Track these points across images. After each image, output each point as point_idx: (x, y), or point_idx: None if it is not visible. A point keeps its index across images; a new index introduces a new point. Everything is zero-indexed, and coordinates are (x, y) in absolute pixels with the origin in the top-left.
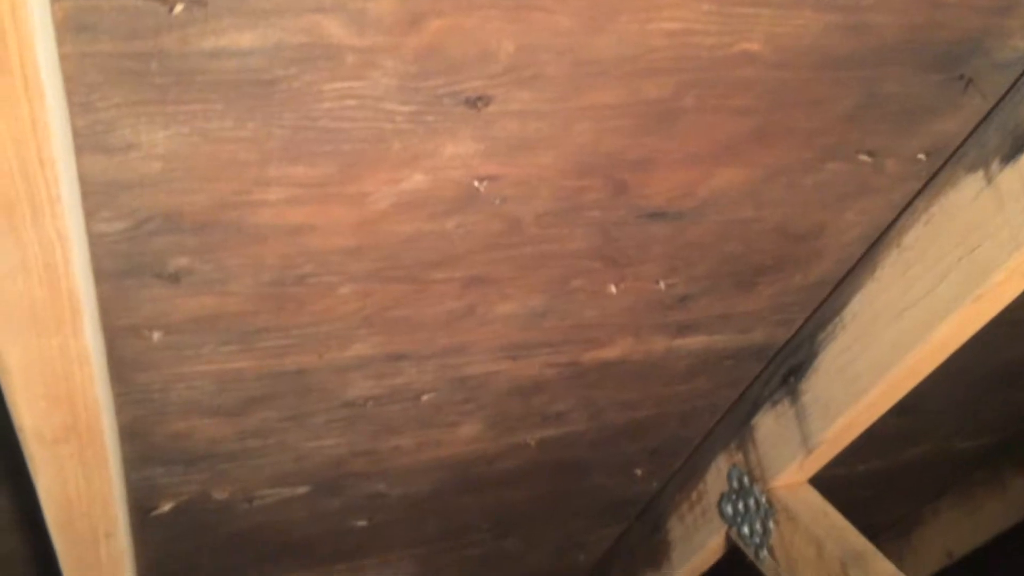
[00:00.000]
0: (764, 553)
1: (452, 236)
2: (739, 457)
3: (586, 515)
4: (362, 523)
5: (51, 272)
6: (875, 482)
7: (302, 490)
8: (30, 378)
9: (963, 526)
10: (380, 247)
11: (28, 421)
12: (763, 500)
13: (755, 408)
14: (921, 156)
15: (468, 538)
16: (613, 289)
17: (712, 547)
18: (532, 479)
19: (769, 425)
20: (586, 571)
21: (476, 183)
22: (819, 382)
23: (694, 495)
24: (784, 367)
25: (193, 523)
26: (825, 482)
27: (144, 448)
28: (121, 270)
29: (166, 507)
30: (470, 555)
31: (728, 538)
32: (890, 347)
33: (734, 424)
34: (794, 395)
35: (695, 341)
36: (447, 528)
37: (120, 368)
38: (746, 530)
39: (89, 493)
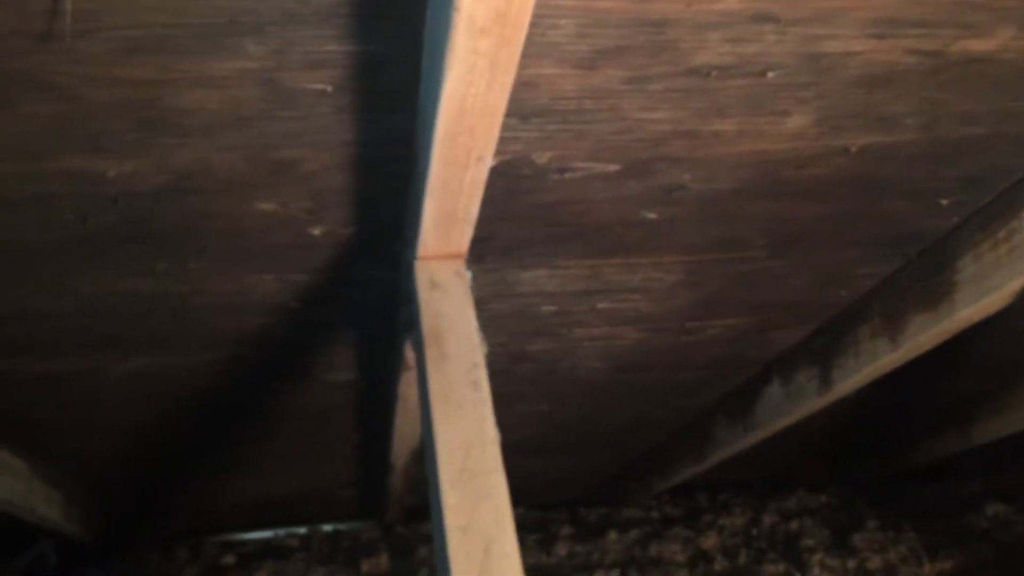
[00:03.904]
0: None
1: None
2: None
3: (865, 245)
4: (652, 216)
5: None
6: None
7: (612, 168)
8: None
9: None
10: None
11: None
12: None
13: None
14: None
15: (742, 252)
16: None
17: (1009, 290)
18: (832, 193)
19: None
20: (840, 307)
21: None
22: None
23: (1002, 233)
24: None
25: (506, 187)
26: None
27: None
28: None
29: (491, 163)
30: (736, 271)
31: None
32: None
33: None
34: None
35: None
36: (726, 237)
37: None
38: None
39: (484, 104)
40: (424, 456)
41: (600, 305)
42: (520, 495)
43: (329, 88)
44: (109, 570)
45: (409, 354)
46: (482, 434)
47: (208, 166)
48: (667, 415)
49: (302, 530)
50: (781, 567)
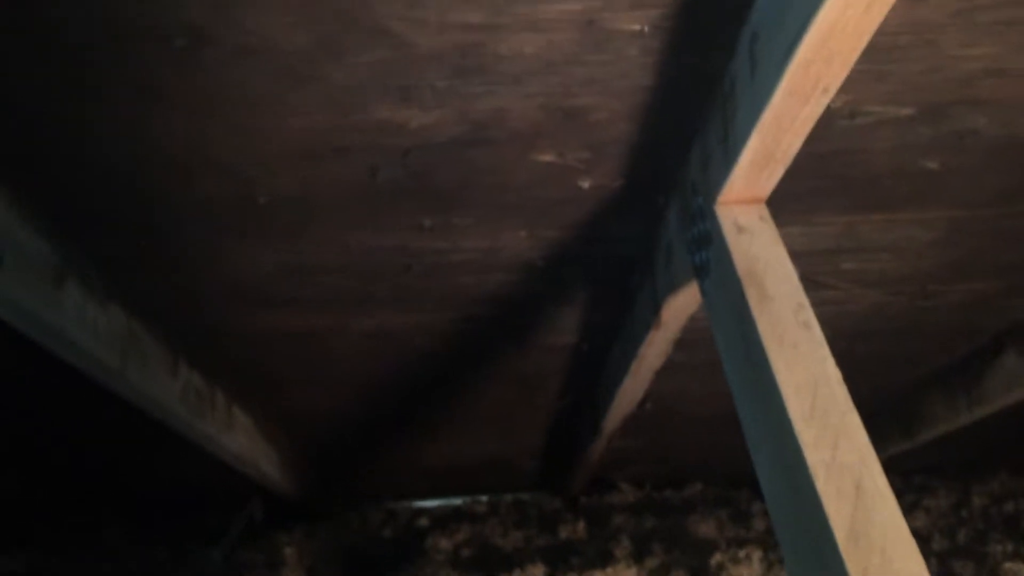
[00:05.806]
0: None
1: None
2: None
3: None
4: (932, 166)
5: None
6: None
7: (906, 112)
8: None
9: None
10: None
11: None
12: None
13: None
14: None
15: (1013, 207)
16: None
17: None
18: None
19: None
20: None
21: None
22: None
23: None
24: None
25: None
26: None
27: None
28: None
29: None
30: (1002, 228)
31: None
32: None
33: None
34: None
35: None
36: (1004, 190)
37: None
38: None
39: (855, 29)
40: (749, 403)
41: (844, 265)
42: (700, 471)
43: (645, 28)
44: (313, 528)
45: (669, 312)
46: (826, 373)
47: (504, 116)
48: (869, 392)
49: (484, 498)
50: (1009, 547)
